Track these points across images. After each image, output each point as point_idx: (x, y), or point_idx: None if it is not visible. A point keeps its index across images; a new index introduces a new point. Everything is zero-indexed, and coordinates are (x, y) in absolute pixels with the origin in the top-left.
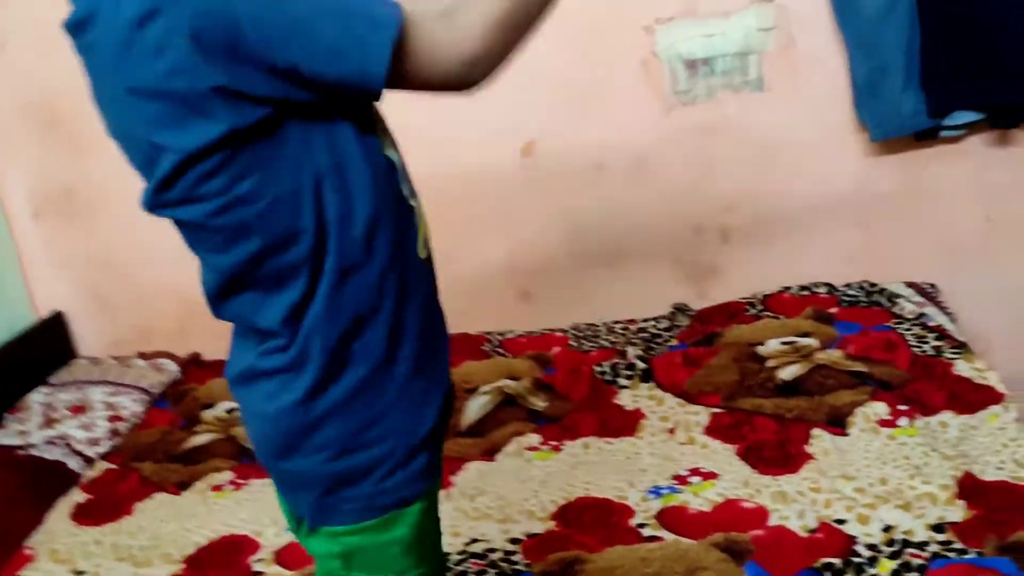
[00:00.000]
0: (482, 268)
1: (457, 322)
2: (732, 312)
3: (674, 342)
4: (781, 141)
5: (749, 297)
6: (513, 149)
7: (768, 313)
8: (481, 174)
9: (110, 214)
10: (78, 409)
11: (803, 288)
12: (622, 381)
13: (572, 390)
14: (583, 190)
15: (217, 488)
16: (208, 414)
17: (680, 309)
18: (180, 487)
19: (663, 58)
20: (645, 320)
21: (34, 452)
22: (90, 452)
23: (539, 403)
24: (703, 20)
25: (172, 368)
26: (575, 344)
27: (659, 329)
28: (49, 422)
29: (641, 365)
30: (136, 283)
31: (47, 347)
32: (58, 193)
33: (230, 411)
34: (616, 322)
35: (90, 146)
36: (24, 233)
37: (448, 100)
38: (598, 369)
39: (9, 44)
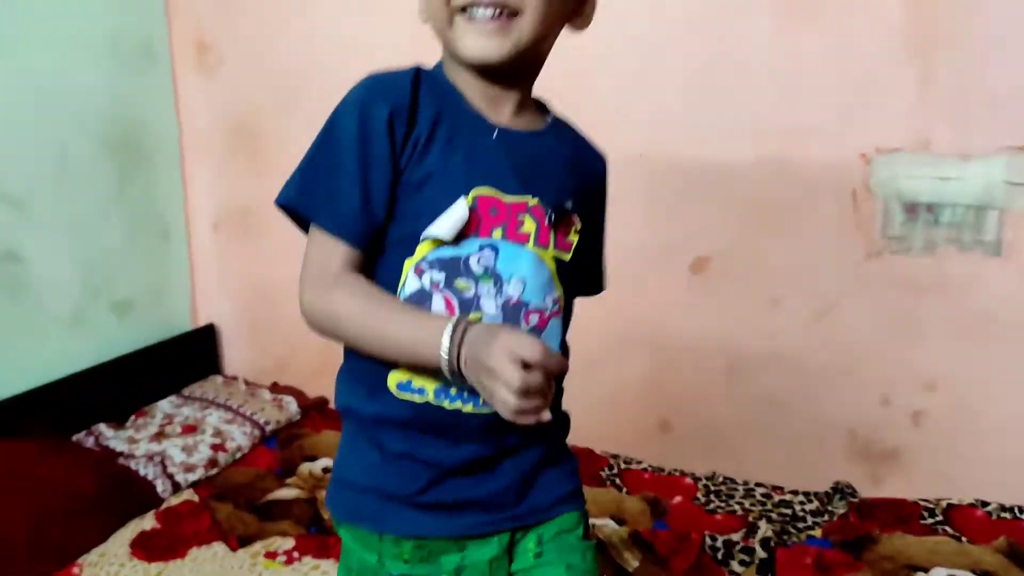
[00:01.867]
0: (622, 382)
1: (585, 435)
2: (903, 514)
3: (817, 533)
4: (1010, 320)
5: (930, 501)
6: (682, 262)
7: (948, 529)
8: (642, 284)
9: (277, 239)
10: (190, 428)
11: (1004, 509)
12: (735, 566)
13: (674, 558)
14: (752, 323)
15: (271, 555)
16: (305, 467)
17: (841, 490)
18: (241, 542)
19: (878, 194)
20: (794, 492)
21: (131, 464)
22: (181, 478)
23: (631, 562)
24: (936, 158)
25: (293, 408)
26: (702, 499)
27: (806, 510)
28: (160, 435)
29: (762, 554)
30: (288, 312)
31: (193, 357)
32: (237, 210)
33: (326, 469)
34: (759, 485)
35: (272, 169)
36: (201, 242)
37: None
38: (711, 542)
39: (227, 62)
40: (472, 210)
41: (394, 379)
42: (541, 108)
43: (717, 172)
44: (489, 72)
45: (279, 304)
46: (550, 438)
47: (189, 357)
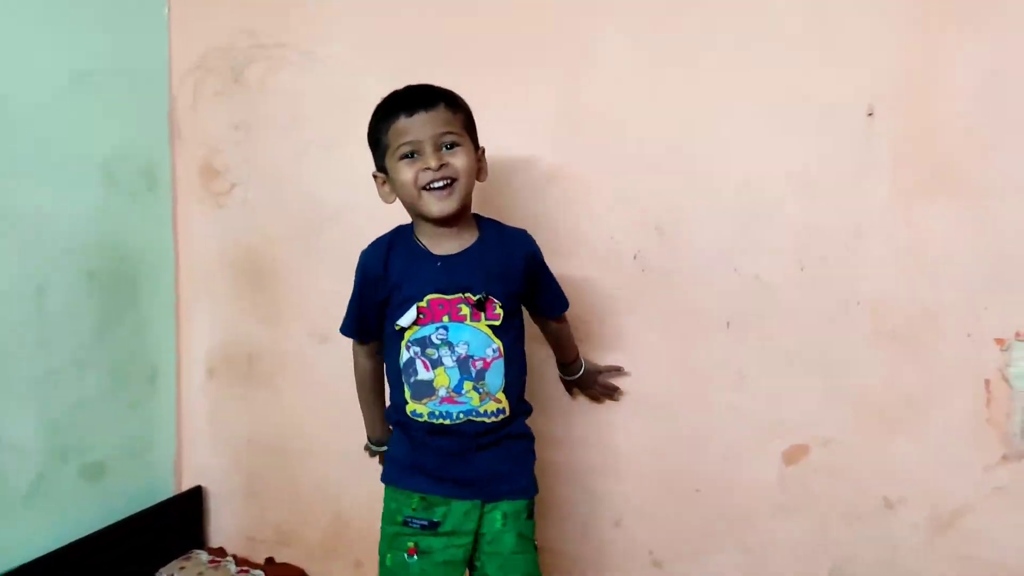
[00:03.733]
0: None
1: None
2: None
3: None
4: None
5: None
6: (773, 451)
7: None
8: (726, 472)
9: (284, 390)
10: None
11: None
12: None
13: None
14: (858, 531)
15: None
16: None
17: None
18: None
19: (1016, 386)
20: None
21: None
22: None
23: None
24: None
25: None
26: None
27: None
28: None
29: None
30: (292, 476)
31: (175, 528)
32: (238, 355)
33: None
34: None
35: (282, 310)
36: (193, 390)
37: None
38: None
39: (238, 189)
40: (426, 307)
41: (408, 408)
42: (476, 222)
43: (822, 349)
44: (442, 221)
45: (283, 463)
46: (510, 446)
47: (171, 527)
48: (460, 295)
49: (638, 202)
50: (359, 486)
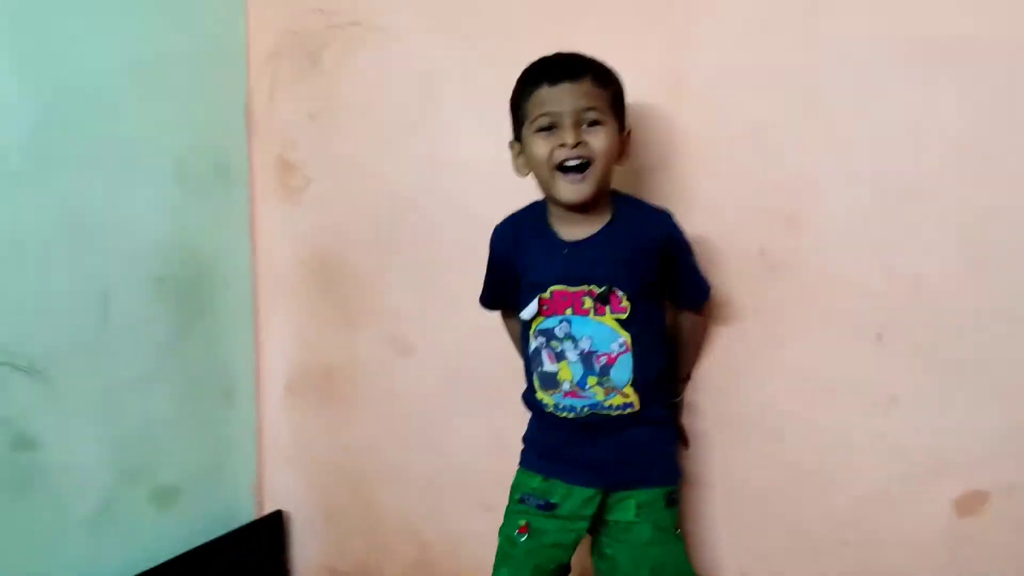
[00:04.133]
0: None
1: None
2: None
3: None
4: None
5: None
6: (939, 497)
7: None
8: (873, 528)
9: (366, 405)
10: None
11: None
12: None
13: None
14: None
15: None
16: None
17: None
18: None
19: None
20: None
21: None
22: None
23: None
24: None
25: None
26: None
27: None
28: None
29: None
30: (375, 503)
31: (255, 555)
32: (318, 368)
33: None
34: None
35: (364, 317)
36: (272, 407)
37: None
38: None
39: (315, 185)
40: (549, 299)
41: (536, 396)
42: (612, 200)
43: (1001, 368)
44: (574, 207)
45: (366, 488)
46: (641, 433)
47: (249, 555)
48: (584, 287)
49: (763, 183)
50: (444, 518)
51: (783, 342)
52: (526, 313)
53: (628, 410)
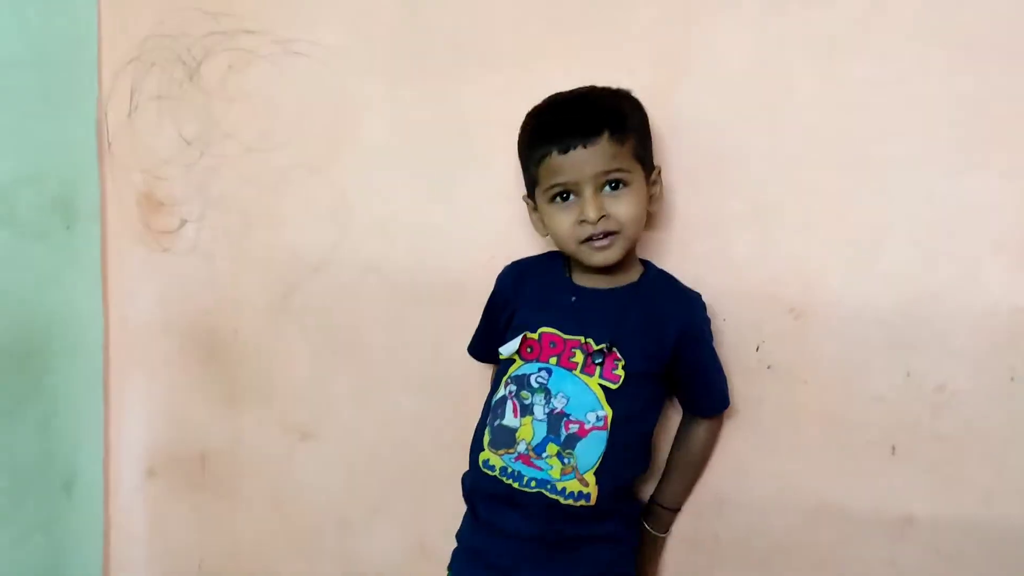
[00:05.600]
0: None
1: None
2: None
3: None
4: None
5: None
6: None
7: None
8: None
9: (257, 505)
10: None
11: None
12: None
13: None
14: None
15: None
16: None
17: None
18: None
19: None
20: None
21: None
22: None
23: None
24: None
25: None
26: None
27: None
28: None
29: None
30: None
31: None
32: (189, 453)
33: None
34: None
35: (252, 395)
36: (126, 498)
37: None
38: None
39: (189, 227)
40: (536, 341)
41: (481, 457)
42: (641, 265)
43: None
44: (602, 269)
45: None
46: (595, 553)
47: None
48: (579, 338)
49: (762, 265)
50: None
51: (781, 453)
52: (506, 348)
53: (582, 502)
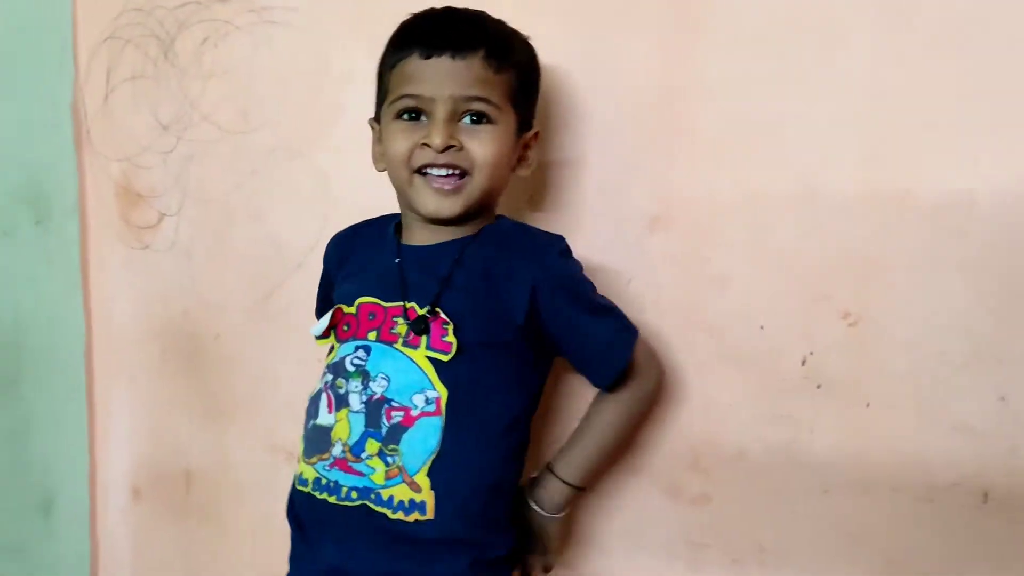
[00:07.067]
0: None
1: None
2: None
3: None
4: None
5: None
6: None
7: None
8: None
9: (248, 531)
10: None
11: None
12: None
13: None
14: None
15: None
16: None
17: None
18: None
19: None
20: None
21: None
22: None
23: None
24: None
25: None
26: None
27: None
28: None
29: None
30: None
31: None
32: (173, 471)
33: None
34: None
35: (237, 410)
36: (110, 521)
37: None
38: None
39: (171, 225)
40: (354, 315)
41: (297, 471)
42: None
43: None
44: (435, 222)
45: None
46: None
47: None
48: (401, 304)
49: (808, 256)
50: None
51: (835, 491)
52: (315, 330)
53: (415, 515)
